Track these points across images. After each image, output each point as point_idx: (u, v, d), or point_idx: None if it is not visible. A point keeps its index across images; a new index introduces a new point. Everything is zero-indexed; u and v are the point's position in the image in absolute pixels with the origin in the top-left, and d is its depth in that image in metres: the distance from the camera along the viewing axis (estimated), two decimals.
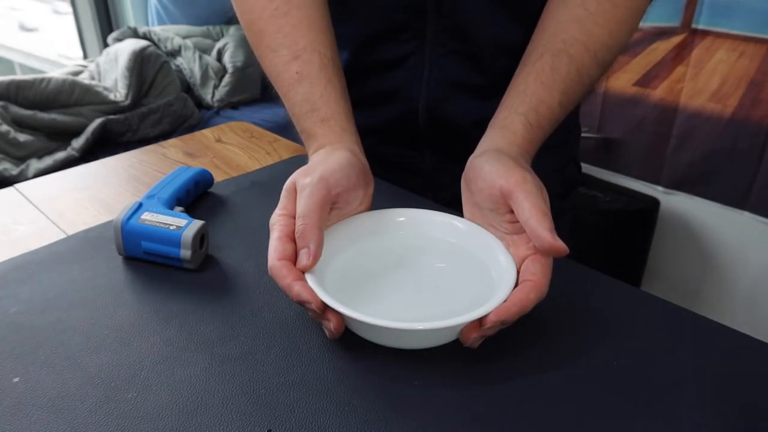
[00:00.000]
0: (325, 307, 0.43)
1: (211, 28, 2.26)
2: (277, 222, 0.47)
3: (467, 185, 0.52)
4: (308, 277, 0.44)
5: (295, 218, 0.47)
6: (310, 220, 0.46)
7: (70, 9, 2.64)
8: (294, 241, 0.46)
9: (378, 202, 0.55)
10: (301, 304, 0.43)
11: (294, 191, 0.49)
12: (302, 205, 0.47)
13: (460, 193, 0.53)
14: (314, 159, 0.53)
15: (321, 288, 0.44)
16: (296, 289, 0.43)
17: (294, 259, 0.46)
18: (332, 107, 0.57)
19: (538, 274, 0.44)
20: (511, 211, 0.47)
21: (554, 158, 0.74)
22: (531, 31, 0.61)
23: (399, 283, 0.50)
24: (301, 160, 0.73)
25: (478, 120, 0.58)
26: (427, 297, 0.48)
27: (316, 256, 0.45)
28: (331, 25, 0.62)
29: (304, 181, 0.48)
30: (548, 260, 0.46)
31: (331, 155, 0.52)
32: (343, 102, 0.58)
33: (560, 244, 0.44)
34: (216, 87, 2.05)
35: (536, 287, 0.44)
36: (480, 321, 0.42)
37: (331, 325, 0.43)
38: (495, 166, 0.49)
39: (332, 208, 0.50)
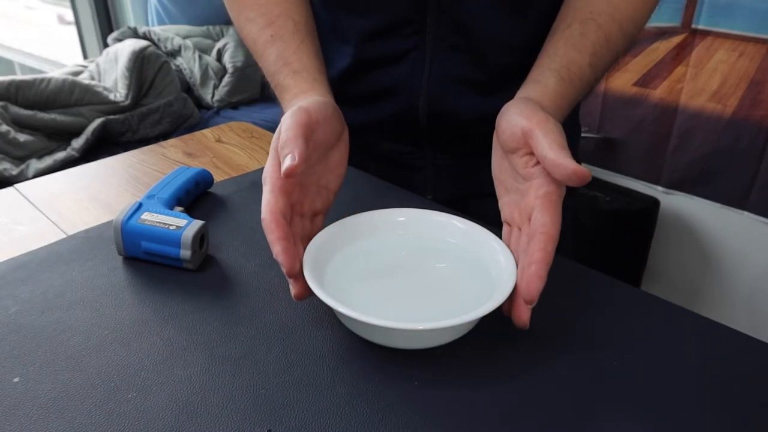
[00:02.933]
0: (296, 274, 0.44)
1: (211, 28, 2.26)
2: (269, 175, 0.48)
3: (496, 130, 0.53)
4: (307, 276, 0.44)
5: None
6: (293, 132, 0.47)
7: None
8: (287, 194, 0.47)
9: (378, 202, 0.55)
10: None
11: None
12: (285, 125, 0.48)
13: (460, 192, 0.54)
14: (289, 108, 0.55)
15: (320, 287, 0.44)
16: (276, 248, 0.44)
17: (286, 212, 0.47)
18: (304, 61, 0.59)
19: (548, 225, 0.45)
20: (530, 153, 0.48)
21: None
22: (532, 26, 0.61)
23: (399, 283, 0.50)
24: None
25: (479, 115, 0.58)
26: (427, 297, 0.48)
27: (302, 157, 0.45)
28: None
29: (284, 116, 0.49)
30: (557, 207, 0.46)
31: (305, 100, 0.54)
32: (316, 59, 0.60)
33: (583, 169, 0.44)
34: (216, 87, 2.04)
35: (551, 239, 0.44)
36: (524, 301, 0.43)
37: (293, 291, 0.45)
38: (520, 108, 0.51)
39: (314, 143, 0.50)
